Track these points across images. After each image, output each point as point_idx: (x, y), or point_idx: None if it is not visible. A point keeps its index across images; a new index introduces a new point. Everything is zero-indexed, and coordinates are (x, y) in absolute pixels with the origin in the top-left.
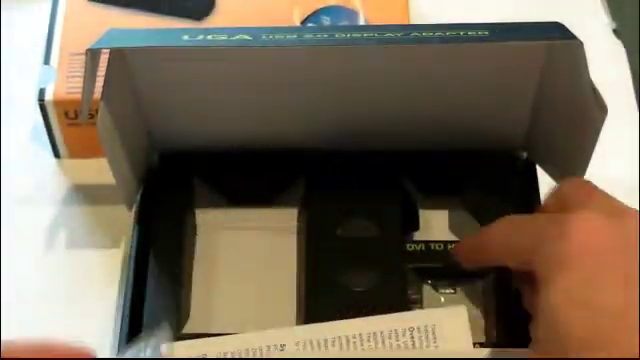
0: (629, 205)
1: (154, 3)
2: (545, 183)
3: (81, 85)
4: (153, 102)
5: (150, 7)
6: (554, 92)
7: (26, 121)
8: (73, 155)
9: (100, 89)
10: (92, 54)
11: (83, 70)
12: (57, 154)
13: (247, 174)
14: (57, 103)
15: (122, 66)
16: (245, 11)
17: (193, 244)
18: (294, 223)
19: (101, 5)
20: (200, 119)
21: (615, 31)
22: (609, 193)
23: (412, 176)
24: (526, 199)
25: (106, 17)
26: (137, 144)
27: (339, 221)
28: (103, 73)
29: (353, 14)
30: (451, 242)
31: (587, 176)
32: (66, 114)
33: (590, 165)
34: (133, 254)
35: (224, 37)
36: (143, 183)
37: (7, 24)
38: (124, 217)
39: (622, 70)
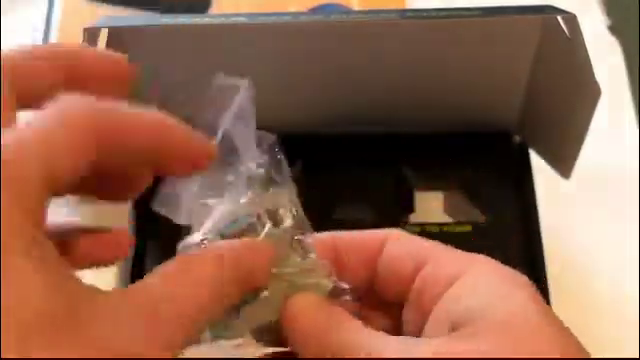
0: (629, 196)
1: (151, 1)
2: (539, 166)
3: None
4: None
5: (147, 5)
6: (549, 72)
7: (23, 119)
8: None
9: None
10: (90, 34)
11: None
12: None
13: None
14: None
15: (119, 48)
16: (241, 8)
17: (189, 228)
18: None
19: (98, 3)
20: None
21: (610, 28)
22: (605, 188)
23: (407, 159)
24: (519, 181)
25: (103, 15)
26: None
27: (335, 204)
28: None
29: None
30: (446, 224)
31: (585, 172)
32: None
33: (587, 160)
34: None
35: (221, 19)
36: None
37: (4, 23)
38: (122, 214)
39: (617, 67)
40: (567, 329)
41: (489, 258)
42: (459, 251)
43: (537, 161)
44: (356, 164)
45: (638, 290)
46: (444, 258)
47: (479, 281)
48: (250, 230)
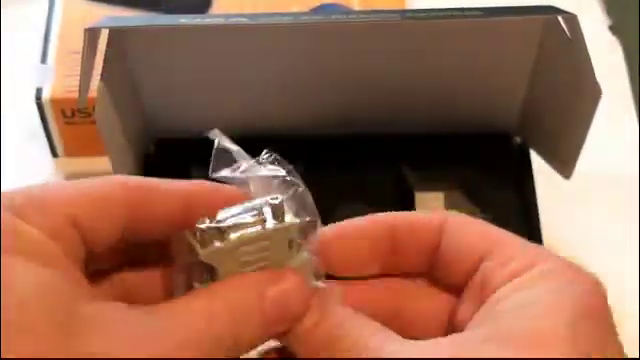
0: (629, 196)
1: (151, 1)
2: (539, 166)
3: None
4: (151, 86)
5: (147, 5)
6: (549, 72)
7: (24, 120)
8: (70, 154)
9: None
10: (90, 35)
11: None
12: (55, 153)
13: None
14: (54, 102)
15: (120, 49)
16: (242, 8)
17: None
18: None
19: (99, 3)
20: (198, 103)
21: (611, 27)
22: (605, 188)
23: (408, 159)
24: (520, 181)
25: (103, 15)
26: (135, 130)
27: (335, 204)
28: (100, 69)
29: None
30: None
31: (585, 172)
32: (63, 113)
33: (588, 159)
34: None
35: (221, 20)
36: (140, 171)
37: (4, 23)
38: None
39: (618, 67)
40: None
41: (558, 258)
42: (528, 244)
43: (537, 161)
44: (356, 164)
45: (638, 290)
46: (511, 251)
47: (536, 285)
48: (252, 225)
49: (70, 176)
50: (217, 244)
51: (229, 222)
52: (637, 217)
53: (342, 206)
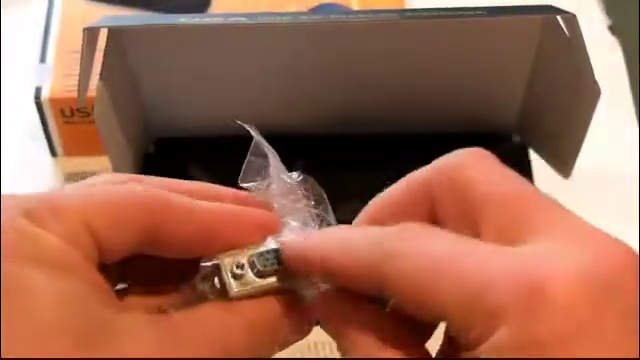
0: (629, 196)
1: (151, 1)
2: (539, 166)
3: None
4: (150, 85)
5: (146, 4)
6: (548, 72)
7: (23, 120)
8: (70, 153)
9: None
10: (90, 34)
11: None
12: (54, 152)
13: (244, 158)
14: (53, 101)
15: (119, 48)
16: (240, 8)
17: None
18: None
19: (98, 3)
20: (197, 102)
21: (610, 27)
22: (605, 188)
23: (408, 159)
24: None
25: (102, 15)
26: (134, 129)
27: (335, 204)
28: (99, 68)
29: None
30: None
31: (585, 172)
32: (62, 112)
33: (587, 160)
34: None
35: (220, 19)
36: (140, 171)
37: (4, 23)
38: None
39: (617, 66)
40: None
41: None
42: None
43: (537, 161)
44: (356, 164)
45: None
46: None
47: None
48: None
49: (70, 176)
50: (249, 288)
51: (260, 266)
52: (637, 217)
53: (342, 206)
